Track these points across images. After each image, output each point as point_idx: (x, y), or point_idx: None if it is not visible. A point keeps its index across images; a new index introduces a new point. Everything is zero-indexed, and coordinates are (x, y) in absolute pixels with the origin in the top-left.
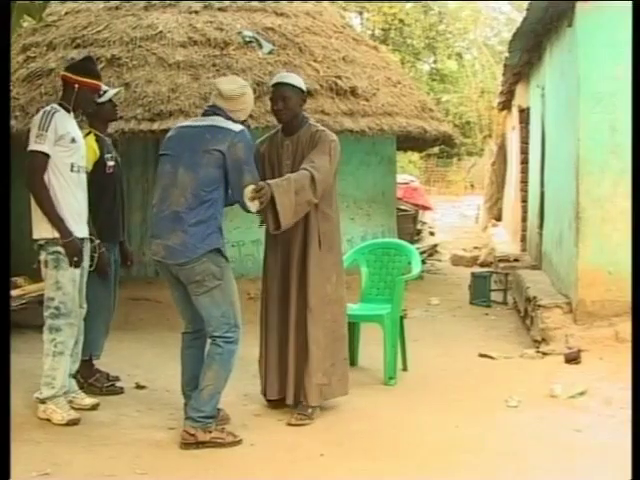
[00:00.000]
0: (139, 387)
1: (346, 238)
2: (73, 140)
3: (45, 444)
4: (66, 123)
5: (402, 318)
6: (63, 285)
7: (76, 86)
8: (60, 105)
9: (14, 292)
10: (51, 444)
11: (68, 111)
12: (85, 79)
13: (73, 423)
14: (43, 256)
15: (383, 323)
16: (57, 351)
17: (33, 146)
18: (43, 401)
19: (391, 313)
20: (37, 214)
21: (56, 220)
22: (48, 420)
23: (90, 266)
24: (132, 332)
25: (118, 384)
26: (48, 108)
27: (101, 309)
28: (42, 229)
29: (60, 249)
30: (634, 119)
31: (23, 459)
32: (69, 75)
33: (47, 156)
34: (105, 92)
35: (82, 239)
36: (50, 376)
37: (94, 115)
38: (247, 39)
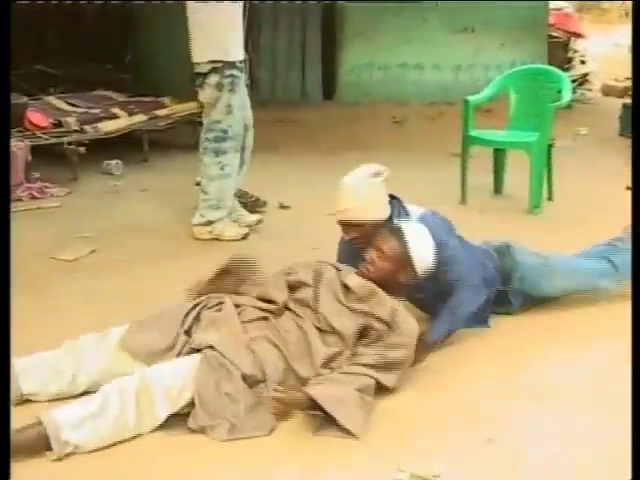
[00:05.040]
0: (283, 207)
1: (495, 64)
2: None
3: None
4: None
5: (550, 147)
6: (234, 109)
7: None
8: None
9: (160, 112)
10: None
11: None
12: None
13: (244, 238)
14: (216, 78)
15: (530, 150)
16: (224, 174)
17: None
18: (210, 222)
19: (539, 141)
20: (212, 35)
21: None
22: (215, 239)
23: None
24: (276, 154)
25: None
26: None
27: None
28: (218, 51)
29: (236, 72)
30: (634, 119)
31: None
32: None
33: None
34: None
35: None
36: (218, 198)
37: None
38: None
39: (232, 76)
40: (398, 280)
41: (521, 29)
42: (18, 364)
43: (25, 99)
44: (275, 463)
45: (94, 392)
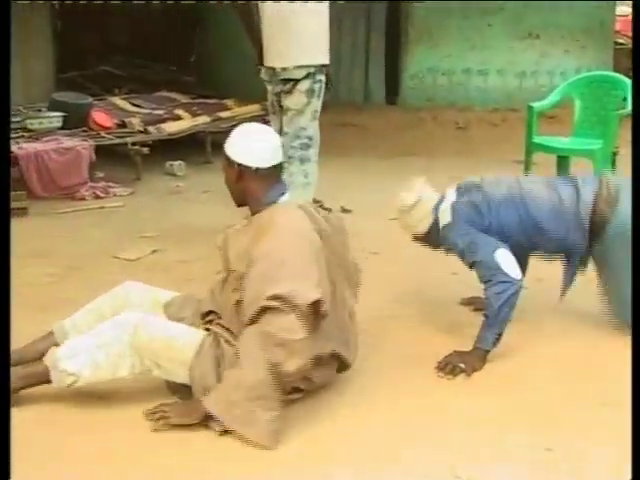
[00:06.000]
0: (344, 211)
1: (559, 71)
2: None
3: None
4: None
5: (614, 154)
6: (317, 115)
7: None
8: None
9: (224, 114)
10: None
11: None
12: None
13: None
14: (308, 84)
15: (594, 158)
16: (307, 182)
17: None
18: None
19: (603, 148)
20: (310, 38)
21: None
22: None
23: None
24: (336, 158)
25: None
26: None
27: None
28: (314, 55)
29: (323, 77)
30: (634, 118)
31: None
32: None
33: None
34: None
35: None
36: None
37: None
38: None
39: (320, 81)
40: (243, 180)
41: (587, 35)
42: (65, 323)
43: (90, 99)
44: (328, 466)
45: None
